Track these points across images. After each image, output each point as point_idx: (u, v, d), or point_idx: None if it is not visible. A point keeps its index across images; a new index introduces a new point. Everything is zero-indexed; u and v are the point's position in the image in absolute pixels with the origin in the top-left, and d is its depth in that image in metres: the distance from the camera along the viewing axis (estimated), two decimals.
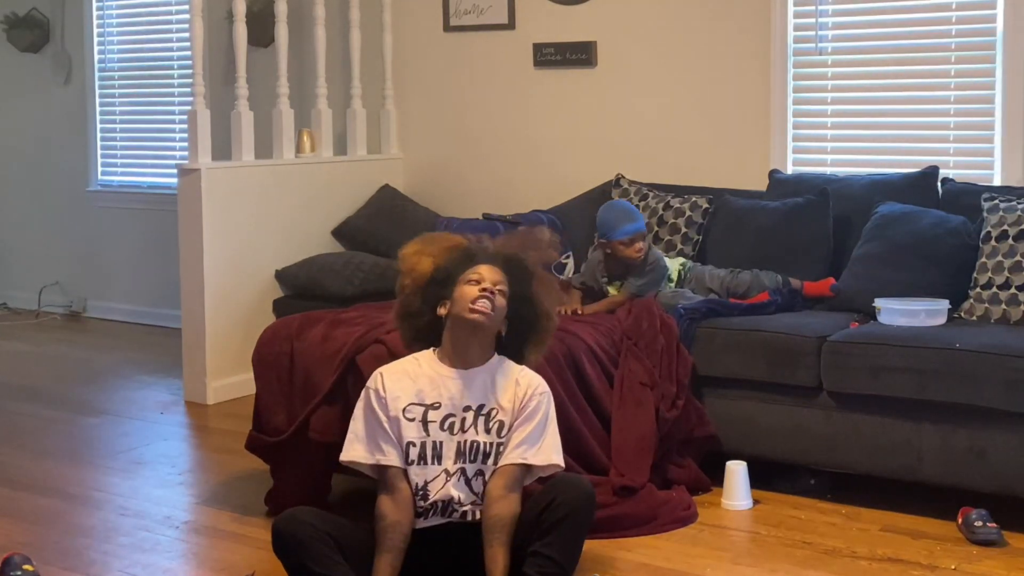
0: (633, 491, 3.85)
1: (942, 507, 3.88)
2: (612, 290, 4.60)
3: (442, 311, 3.23)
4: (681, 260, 4.72)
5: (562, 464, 3.18)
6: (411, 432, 3.10)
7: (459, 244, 3.36)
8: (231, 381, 5.54)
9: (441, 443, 3.10)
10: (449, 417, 3.12)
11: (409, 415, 3.11)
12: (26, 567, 3.39)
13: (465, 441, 3.11)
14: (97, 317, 7.71)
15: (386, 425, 3.11)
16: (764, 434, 4.16)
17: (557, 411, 3.86)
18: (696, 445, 4.19)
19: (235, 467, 4.49)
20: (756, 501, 4.03)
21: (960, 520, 3.74)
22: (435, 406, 3.13)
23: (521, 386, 3.17)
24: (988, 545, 3.63)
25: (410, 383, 3.15)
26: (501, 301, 3.18)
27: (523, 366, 3.26)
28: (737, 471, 4.02)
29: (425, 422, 3.11)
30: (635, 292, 4.50)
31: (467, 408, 3.12)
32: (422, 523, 3.10)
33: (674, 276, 4.63)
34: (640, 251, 4.52)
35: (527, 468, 3.13)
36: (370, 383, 3.19)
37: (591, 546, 3.63)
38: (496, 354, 3.26)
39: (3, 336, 7.20)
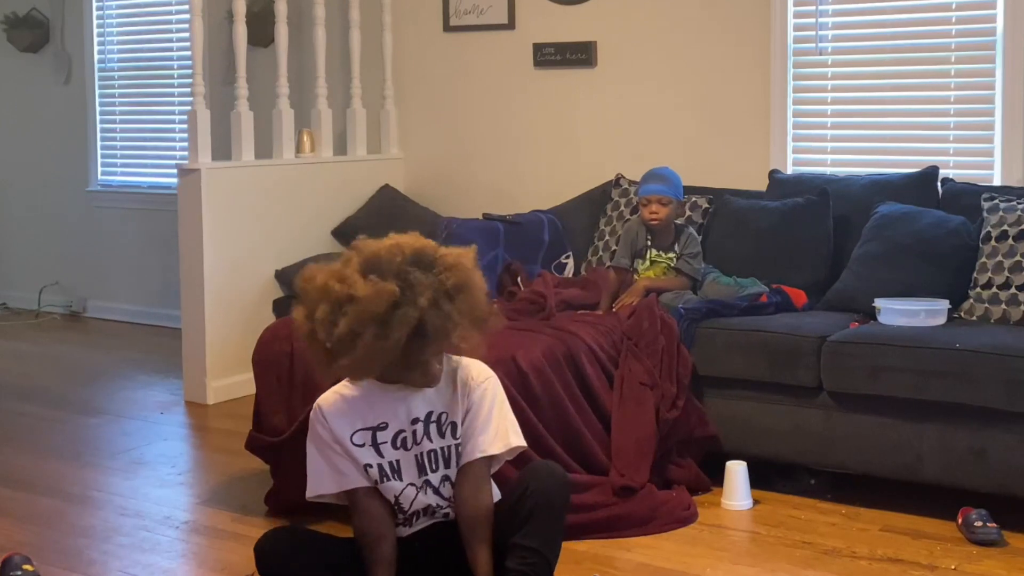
0: (633, 491, 3.85)
1: (942, 507, 3.87)
2: (654, 256, 4.62)
3: None
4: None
5: (523, 443, 3.08)
6: (364, 457, 3.00)
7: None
8: (231, 381, 5.54)
9: (398, 461, 3.01)
10: (400, 434, 3.01)
11: (358, 441, 2.99)
12: (26, 567, 3.39)
13: (421, 453, 3.01)
14: (97, 317, 7.70)
15: (339, 449, 2.99)
16: (764, 434, 4.15)
17: (557, 411, 3.89)
18: (696, 445, 4.19)
19: (235, 467, 4.49)
20: (756, 501, 4.03)
21: (960, 520, 3.74)
22: (382, 427, 3.00)
23: (462, 381, 3.04)
24: (988, 545, 3.63)
25: (350, 409, 3.01)
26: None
27: (460, 358, 3.07)
28: (737, 471, 4.02)
29: (376, 445, 3.00)
30: (691, 274, 4.57)
31: (415, 420, 3.00)
32: (408, 531, 3.06)
33: None
34: (654, 214, 4.56)
35: (489, 459, 3.05)
36: (312, 416, 3.06)
37: (591, 546, 3.64)
38: None
39: (3, 336, 7.19)
